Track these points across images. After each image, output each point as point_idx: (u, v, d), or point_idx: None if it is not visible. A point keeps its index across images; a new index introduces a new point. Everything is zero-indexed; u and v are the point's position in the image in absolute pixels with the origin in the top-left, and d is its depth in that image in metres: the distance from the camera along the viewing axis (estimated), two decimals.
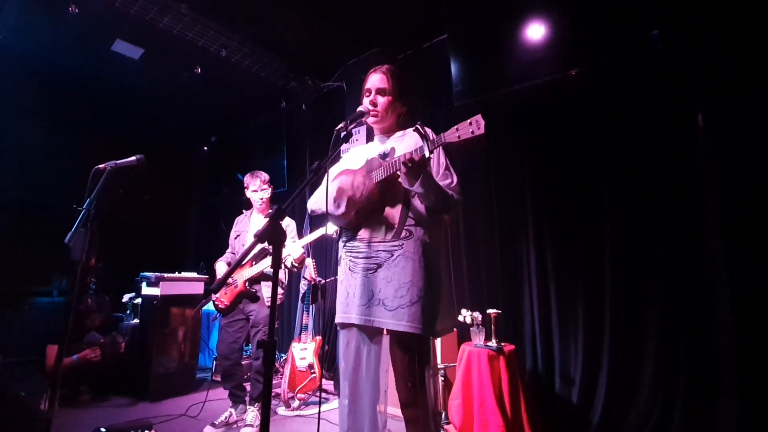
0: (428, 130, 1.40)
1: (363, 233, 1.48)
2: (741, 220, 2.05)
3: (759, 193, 2.02)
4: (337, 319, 1.53)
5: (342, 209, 1.46)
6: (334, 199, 1.49)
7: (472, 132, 1.22)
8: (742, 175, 2.07)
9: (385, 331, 1.45)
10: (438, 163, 1.50)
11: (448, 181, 1.47)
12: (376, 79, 1.57)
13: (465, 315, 2.53)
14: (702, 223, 2.18)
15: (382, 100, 1.55)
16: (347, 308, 1.48)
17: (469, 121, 1.23)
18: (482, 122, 1.21)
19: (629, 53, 2.38)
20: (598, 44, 2.45)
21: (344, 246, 1.54)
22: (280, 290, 2.82)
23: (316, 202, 1.60)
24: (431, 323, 1.41)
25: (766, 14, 2.03)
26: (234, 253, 2.88)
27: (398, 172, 1.37)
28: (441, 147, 1.35)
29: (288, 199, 1.16)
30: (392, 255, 1.42)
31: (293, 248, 2.62)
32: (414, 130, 1.35)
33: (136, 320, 3.67)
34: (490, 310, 2.48)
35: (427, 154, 1.29)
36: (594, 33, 2.46)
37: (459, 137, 1.24)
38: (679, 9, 2.25)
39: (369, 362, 1.44)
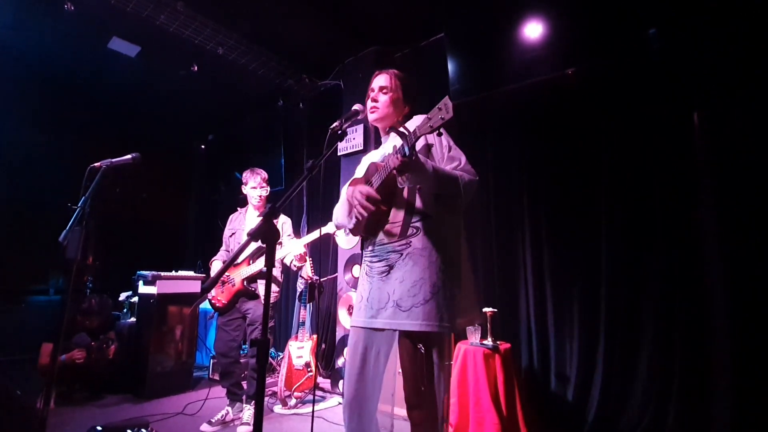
0: (409, 125, 1.38)
1: (374, 238, 1.49)
2: (738, 219, 2.06)
3: (756, 192, 2.03)
4: (352, 323, 1.51)
5: (352, 222, 1.52)
6: (345, 214, 1.57)
7: (442, 118, 1.18)
8: (739, 174, 2.08)
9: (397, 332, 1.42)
10: (441, 146, 1.47)
11: (455, 163, 1.43)
12: (380, 79, 1.59)
13: None
14: (699, 222, 2.19)
15: (383, 98, 1.56)
16: (360, 312, 1.48)
17: (438, 106, 1.20)
18: (450, 104, 1.18)
19: (627, 52, 2.38)
20: (595, 43, 2.45)
21: (363, 251, 1.56)
22: (275, 288, 2.82)
23: (336, 217, 1.66)
24: (450, 317, 1.36)
25: (765, 14, 2.03)
26: (228, 251, 2.87)
27: (392, 173, 1.36)
28: (443, 131, 1.33)
29: (282, 198, 1.16)
30: (401, 255, 1.40)
31: (295, 246, 2.62)
32: (392, 130, 1.34)
33: (133, 319, 3.67)
34: (485, 309, 2.48)
35: (407, 152, 1.25)
36: (591, 32, 2.46)
37: (431, 126, 1.21)
38: (677, 8, 2.25)
39: (377, 364, 1.42)
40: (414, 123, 1.40)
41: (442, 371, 1.41)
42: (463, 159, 1.45)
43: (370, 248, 1.50)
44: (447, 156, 1.45)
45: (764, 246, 1.98)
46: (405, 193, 1.45)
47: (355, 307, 1.52)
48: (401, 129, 1.27)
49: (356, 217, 1.49)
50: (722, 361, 2.04)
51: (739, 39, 2.11)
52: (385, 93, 1.57)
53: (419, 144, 1.34)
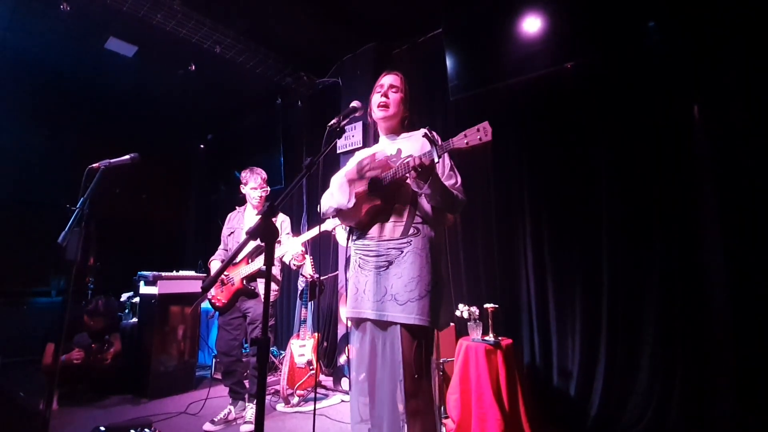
0: (436, 135, 1.47)
1: (372, 232, 1.53)
2: (739, 213, 2.05)
3: (757, 186, 2.01)
4: (347, 314, 1.58)
5: (351, 200, 1.52)
6: (344, 194, 1.55)
7: (480, 139, 1.28)
8: (739, 167, 2.06)
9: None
10: (443, 164, 1.55)
11: (453, 181, 1.53)
12: (390, 78, 1.66)
13: (462, 310, 2.53)
14: (700, 216, 2.18)
15: (394, 96, 1.63)
16: (357, 303, 1.53)
17: (476, 127, 1.29)
18: (490, 129, 1.27)
19: (625, 45, 2.37)
20: (593, 36, 2.44)
21: (354, 244, 1.60)
22: (274, 286, 2.82)
23: (324, 203, 1.65)
24: (437, 316, 1.47)
25: (766, 4, 2.01)
26: (227, 250, 2.87)
27: (407, 175, 1.42)
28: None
29: (281, 196, 1.16)
30: (402, 252, 1.47)
31: (292, 245, 2.62)
32: (423, 135, 1.40)
33: (135, 319, 3.68)
34: (487, 305, 2.48)
35: (436, 159, 1.34)
36: (589, 25, 2.45)
37: (467, 143, 1.30)
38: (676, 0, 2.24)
39: (385, 354, 1.47)
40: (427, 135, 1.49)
41: (432, 364, 1.50)
42: (459, 180, 1.55)
43: (364, 242, 1.55)
44: (447, 173, 1.55)
45: (766, 239, 1.97)
46: (410, 195, 1.51)
47: (351, 297, 1.57)
48: (430, 136, 1.36)
49: (356, 198, 1.52)
50: (724, 357, 2.04)
51: (740, 30, 2.09)
52: (396, 92, 1.64)
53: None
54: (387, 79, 1.66)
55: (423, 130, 1.52)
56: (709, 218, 2.14)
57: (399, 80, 1.66)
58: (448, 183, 1.50)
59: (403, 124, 1.68)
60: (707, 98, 2.18)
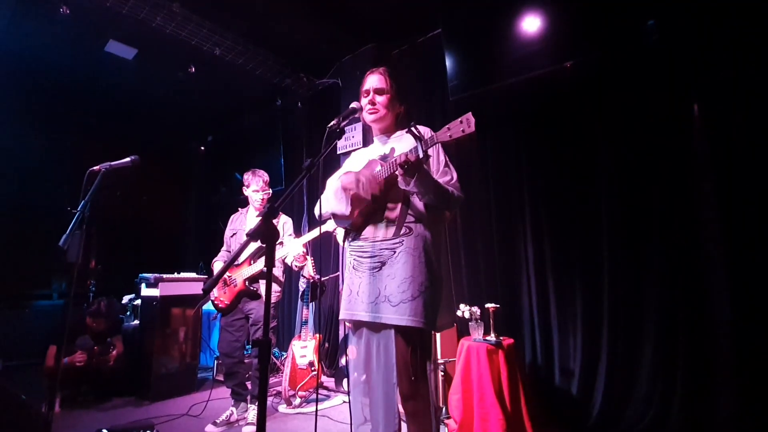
0: (423, 130, 1.42)
1: (366, 233, 1.51)
2: (739, 212, 2.04)
3: (756, 185, 2.01)
4: (342, 316, 1.57)
5: (348, 208, 1.50)
6: (340, 200, 1.53)
7: (463, 130, 1.25)
8: (739, 167, 2.06)
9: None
10: (437, 160, 1.53)
11: (448, 177, 1.50)
12: (374, 80, 1.60)
13: (463, 310, 2.53)
14: (699, 215, 2.17)
15: (380, 99, 1.58)
16: (351, 305, 1.52)
17: (459, 119, 1.26)
18: (473, 120, 1.23)
19: (625, 44, 2.36)
20: (592, 35, 2.43)
21: (349, 245, 1.58)
22: (277, 288, 2.82)
23: (327, 207, 1.62)
24: (432, 317, 1.44)
25: (765, 4, 2.01)
26: (230, 252, 2.87)
27: (396, 173, 1.40)
28: (439, 145, 1.40)
29: (281, 198, 1.16)
30: (394, 252, 1.45)
31: (293, 246, 2.62)
32: (407, 131, 1.36)
33: (137, 321, 3.68)
34: (488, 305, 2.47)
35: (421, 155, 1.31)
36: (588, 24, 2.44)
37: (451, 136, 1.27)
38: None
39: (379, 356, 1.46)
40: (422, 131, 1.43)
41: (431, 365, 1.48)
42: (455, 176, 1.52)
43: (357, 243, 1.53)
44: (441, 170, 1.52)
45: (766, 239, 1.97)
46: (402, 194, 1.48)
47: (345, 299, 1.55)
48: (415, 131, 1.31)
49: (352, 204, 1.49)
50: (725, 354, 2.04)
51: (740, 29, 2.09)
52: (381, 94, 1.59)
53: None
54: (371, 82, 1.59)
55: (409, 127, 1.47)
56: (709, 218, 2.14)
57: (383, 80, 1.58)
58: (443, 179, 1.48)
59: (398, 120, 1.64)
60: (707, 98, 2.17)
